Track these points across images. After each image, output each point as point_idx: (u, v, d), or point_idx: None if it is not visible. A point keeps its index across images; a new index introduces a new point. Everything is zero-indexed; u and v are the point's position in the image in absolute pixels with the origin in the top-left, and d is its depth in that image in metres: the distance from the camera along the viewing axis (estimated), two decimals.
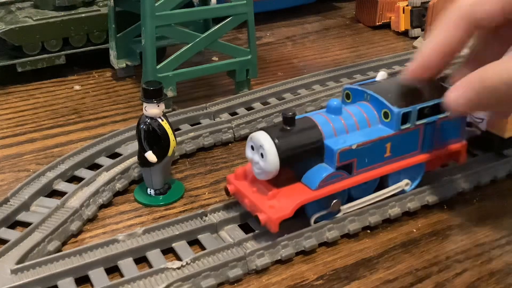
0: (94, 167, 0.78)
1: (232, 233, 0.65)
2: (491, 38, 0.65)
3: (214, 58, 1.14)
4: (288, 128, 0.62)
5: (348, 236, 0.66)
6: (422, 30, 1.27)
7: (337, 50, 1.25)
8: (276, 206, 0.61)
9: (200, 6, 0.99)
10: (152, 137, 0.69)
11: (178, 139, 0.81)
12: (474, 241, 0.67)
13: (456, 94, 0.59)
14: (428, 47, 0.64)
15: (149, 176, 0.72)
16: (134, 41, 1.05)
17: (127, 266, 0.61)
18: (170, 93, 0.90)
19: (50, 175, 0.74)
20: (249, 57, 0.97)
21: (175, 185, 0.76)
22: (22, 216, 0.68)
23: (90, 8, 1.07)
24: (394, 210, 0.69)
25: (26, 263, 0.59)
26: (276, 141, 0.60)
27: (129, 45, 1.05)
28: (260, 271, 0.62)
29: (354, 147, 0.62)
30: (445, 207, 0.72)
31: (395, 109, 0.64)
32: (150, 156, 0.69)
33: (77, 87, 1.04)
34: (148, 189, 0.73)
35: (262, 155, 0.60)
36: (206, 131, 0.84)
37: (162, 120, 0.70)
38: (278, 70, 1.14)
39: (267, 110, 0.91)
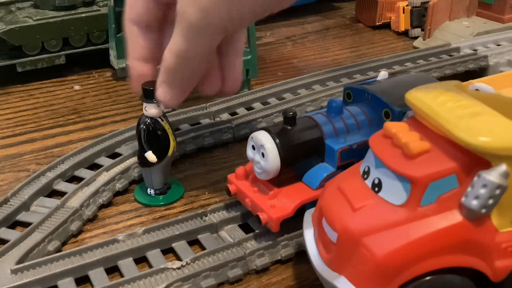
0: (94, 167, 0.78)
1: (232, 233, 0.65)
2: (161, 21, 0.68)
3: None
4: (289, 127, 0.62)
5: None
6: (422, 30, 1.27)
7: (337, 50, 1.25)
8: (277, 205, 0.61)
9: None
10: (152, 137, 0.69)
11: (178, 139, 0.81)
12: None
13: (160, 91, 0.65)
14: (130, 61, 0.69)
15: (149, 176, 0.72)
16: None
17: (127, 266, 0.61)
18: None
19: (50, 175, 0.74)
20: (249, 57, 0.97)
21: (175, 185, 0.75)
22: (22, 216, 0.67)
23: (90, 8, 1.07)
24: None
25: (26, 263, 0.59)
26: (277, 140, 0.60)
27: None
28: (260, 271, 0.62)
29: (354, 146, 0.62)
30: None
31: (396, 109, 0.64)
32: (150, 156, 0.69)
33: (77, 87, 1.04)
34: (148, 189, 0.73)
35: (263, 155, 0.60)
36: (206, 131, 0.84)
37: (162, 120, 0.69)
38: (278, 70, 1.14)
39: (267, 110, 0.91)
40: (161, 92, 0.65)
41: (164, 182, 0.73)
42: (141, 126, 0.69)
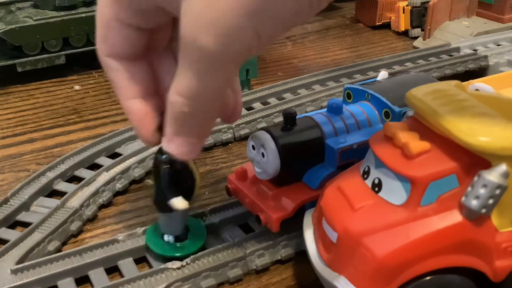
0: (94, 167, 0.78)
1: (232, 233, 0.65)
2: (158, 59, 0.55)
3: None
4: (289, 127, 0.62)
5: None
6: (422, 30, 1.27)
7: (337, 50, 1.25)
8: (277, 205, 0.61)
9: None
10: (176, 179, 0.56)
11: None
12: None
13: (174, 145, 0.50)
14: (124, 103, 0.54)
15: (168, 222, 0.60)
16: None
17: (127, 266, 0.61)
18: None
19: (50, 175, 0.74)
20: None
21: (194, 225, 0.64)
22: (22, 216, 0.67)
23: (90, 8, 1.07)
24: None
25: (26, 263, 0.59)
26: (277, 140, 0.60)
27: None
28: (260, 271, 0.62)
29: (355, 146, 0.62)
30: None
31: (396, 109, 0.64)
32: (178, 203, 0.56)
33: (77, 87, 1.04)
34: (166, 236, 0.61)
35: (263, 155, 0.60)
36: None
37: None
38: (278, 70, 1.14)
39: (267, 110, 0.91)
40: (176, 146, 0.50)
41: (184, 226, 0.62)
42: (162, 166, 0.55)
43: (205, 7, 0.41)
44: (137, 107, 0.53)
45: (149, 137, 0.54)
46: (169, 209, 0.57)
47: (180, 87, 0.46)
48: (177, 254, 0.60)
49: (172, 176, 0.56)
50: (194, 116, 0.48)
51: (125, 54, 0.51)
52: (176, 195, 0.56)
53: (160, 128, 0.53)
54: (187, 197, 0.57)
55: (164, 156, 0.55)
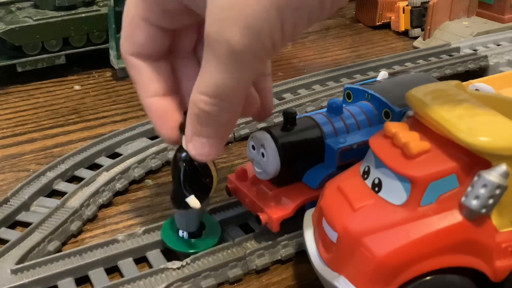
0: (94, 167, 0.78)
1: (232, 233, 0.65)
2: (182, 61, 0.56)
3: None
4: (289, 127, 0.62)
5: None
6: (422, 30, 1.27)
7: (337, 50, 1.25)
8: (277, 205, 0.61)
9: None
10: (194, 176, 0.57)
11: None
12: None
13: (194, 146, 0.51)
14: (144, 101, 0.55)
15: (184, 219, 0.61)
16: None
17: (127, 266, 0.61)
18: None
19: (50, 175, 0.74)
20: None
21: (209, 222, 0.65)
22: (22, 216, 0.67)
23: (90, 8, 1.07)
24: None
25: (26, 263, 0.59)
26: (277, 140, 0.60)
27: None
28: (260, 271, 0.62)
29: (355, 146, 0.62)
30: None
31: (396, 109, 0.64)
32: (193, 202, 0.57)
33: (77, 87, 1.04)
34: (180, 231, 0.62)
35: (263, 155, 0.60)
36: None
37: None
38: (278, 70, 1.14)
39: None
40: (195, 147, 0.50)
41: (199, 222, 0.63)
42: (181, 163, 0.56)
43: (231, 0, 0.40)
44: (157, 104, 0.53)
45: (169, 135, 0.54)
46: (185, 206, 0.58)
47: (203, 85, 0.46)
48: (190, 251, 0.61)
49: (190, 174, 0.56)
50: (215, 115, 0.47)
51: (148, 53, 0.52)
52: (193, 193, 0.57)
53: (180, 127, 0.53)
54: (204, 196, 0.58)
55: (183, 154, 0.55)
